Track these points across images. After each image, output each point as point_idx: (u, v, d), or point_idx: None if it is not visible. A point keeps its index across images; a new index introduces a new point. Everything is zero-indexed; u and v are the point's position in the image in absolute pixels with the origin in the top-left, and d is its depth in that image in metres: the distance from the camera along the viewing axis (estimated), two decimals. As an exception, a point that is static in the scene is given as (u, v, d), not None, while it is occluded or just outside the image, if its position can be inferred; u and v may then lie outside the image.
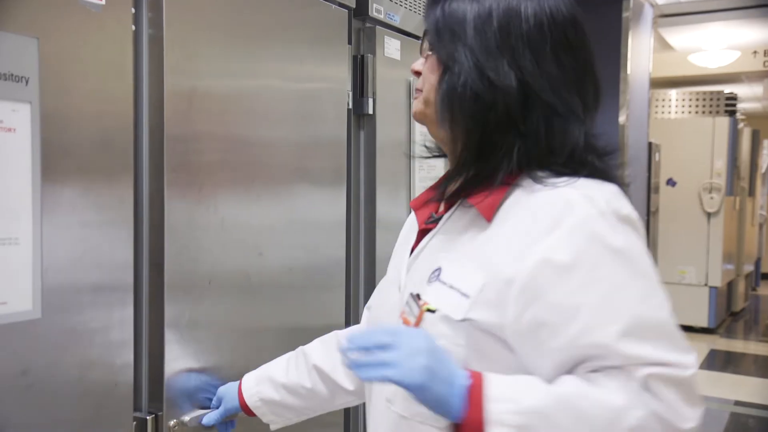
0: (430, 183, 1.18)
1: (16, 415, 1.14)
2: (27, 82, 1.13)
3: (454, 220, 1.09)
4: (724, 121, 6.90)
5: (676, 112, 7.24)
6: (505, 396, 0.90)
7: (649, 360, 0.88)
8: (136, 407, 1.35)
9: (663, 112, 7.29)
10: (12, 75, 1.11)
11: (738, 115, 7.28)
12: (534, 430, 0.88)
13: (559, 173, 1.01)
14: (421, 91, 1.11)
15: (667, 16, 5.58)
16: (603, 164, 1.05)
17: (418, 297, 1.06)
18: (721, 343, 6.76)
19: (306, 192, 1.78)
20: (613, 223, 0.94)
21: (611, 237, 0.93)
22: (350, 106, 1.95)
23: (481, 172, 1.03)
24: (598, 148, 1.06)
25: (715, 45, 6.74)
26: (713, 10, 5.38)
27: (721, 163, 6.84)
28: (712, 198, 6.81)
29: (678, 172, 6.86)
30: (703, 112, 7.15)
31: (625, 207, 0.97)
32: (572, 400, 0.89)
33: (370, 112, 1.99)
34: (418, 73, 1.12)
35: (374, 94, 1.99)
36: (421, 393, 0.90)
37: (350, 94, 1.95)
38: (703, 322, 7.00)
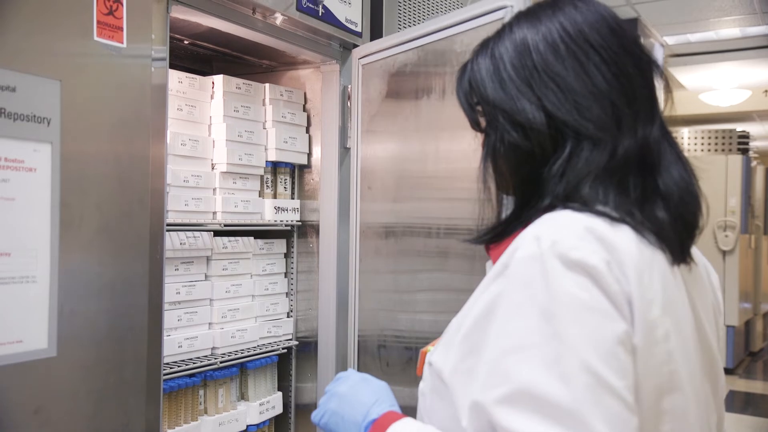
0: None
1: (29, 454, 1.13)
2: (49, 123, 1.16)
3: (490, 268, 0.99)
4: (737, 159, 6.88)
5: (688, 150, 7.23)
6: None
7: None
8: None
9: (675, 151, 7.30)
10: (34, 116, 1.14)
11: (751, 154, 7.27)
12: None
13: (561, 207, 0.88)
14: None
15: (678, 56, 5.62)
16: (622, 196, 0.87)
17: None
18: (741, 384, 6.63)
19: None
20: (551, 268, 0.78)
21: (539, 285, 0.78)
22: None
23: (517, 217, 0.96)
24: (627, 170, 0.89)
25: (726, 84, 6.76)
26: (723, 50, 5.41)
27: (735, 201, 6.80)
28: (726, 236, 6.76)
29: (692, 211, 6.83)
30: (716, 150, 7.14)
31: (580, 250, 0.79)
32: None
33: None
34: None
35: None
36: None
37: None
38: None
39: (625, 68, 0.92)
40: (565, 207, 0.87)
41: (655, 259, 0.84)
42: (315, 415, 1.04)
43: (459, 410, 0.84)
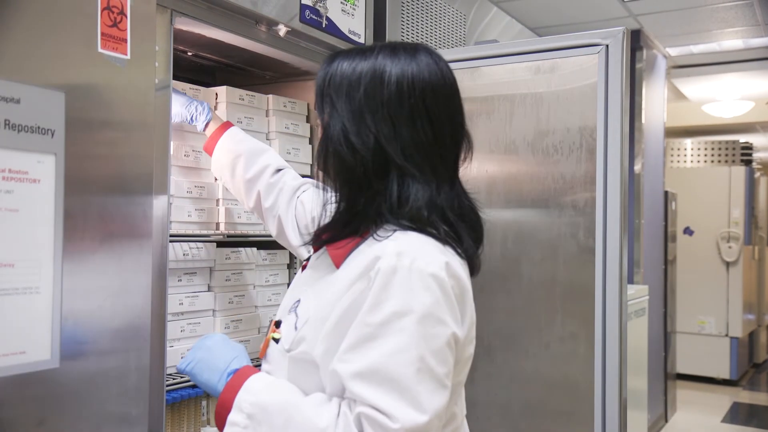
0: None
1: (31, 466, 1.13)
2: (53, 134, 1.16)
3: (322, 259, 1.20)
4: (740, 170, 6.88)
5: (692, 161, 7.23)
6: (254, 389, 1.08)
7: (368, 401, 0.98)
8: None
9: (679, 161, 7.29)
10: (39, 127, 1.14)
11: (754, 165, 7.26)
12: (258, 421, 1.05)
13: (404, 227, 1.09)
14: None
15: (681, 67, 5.63)
16: (452, 224, 1.11)
17: (278, 324, 1.19)
18: (744, 396, 6.60)
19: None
20: (407, 279, 1.01)
21: (395, 291, 1.01)
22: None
23: (347, 224, 1.13)
24: (450, 208, 1.12)
25: (729, 95, 6.76)
26: (726, 61, 5.42)
27: (738, 212, 6.79)
28: (730, 247, 6.74)
29: (695, 221, 6.81)
30: (719, 161, 7.14)
31: (433, 265, 1.03)
32: (291, 408, 1.04)
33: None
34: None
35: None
36: (192, 378, 1.18)
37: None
38: (724, 373, 6.84)
39: (443, 134, 1.13)
40: (411, 229, 1.08)
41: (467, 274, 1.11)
42: (182, 363, 1.19)
43: (324, 379, 1.06)
